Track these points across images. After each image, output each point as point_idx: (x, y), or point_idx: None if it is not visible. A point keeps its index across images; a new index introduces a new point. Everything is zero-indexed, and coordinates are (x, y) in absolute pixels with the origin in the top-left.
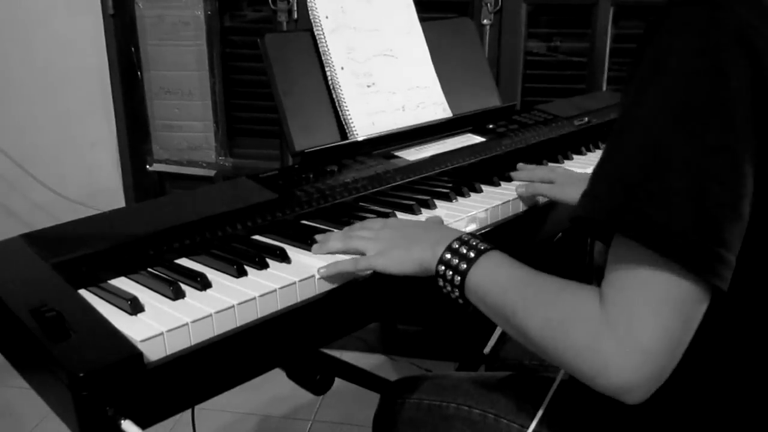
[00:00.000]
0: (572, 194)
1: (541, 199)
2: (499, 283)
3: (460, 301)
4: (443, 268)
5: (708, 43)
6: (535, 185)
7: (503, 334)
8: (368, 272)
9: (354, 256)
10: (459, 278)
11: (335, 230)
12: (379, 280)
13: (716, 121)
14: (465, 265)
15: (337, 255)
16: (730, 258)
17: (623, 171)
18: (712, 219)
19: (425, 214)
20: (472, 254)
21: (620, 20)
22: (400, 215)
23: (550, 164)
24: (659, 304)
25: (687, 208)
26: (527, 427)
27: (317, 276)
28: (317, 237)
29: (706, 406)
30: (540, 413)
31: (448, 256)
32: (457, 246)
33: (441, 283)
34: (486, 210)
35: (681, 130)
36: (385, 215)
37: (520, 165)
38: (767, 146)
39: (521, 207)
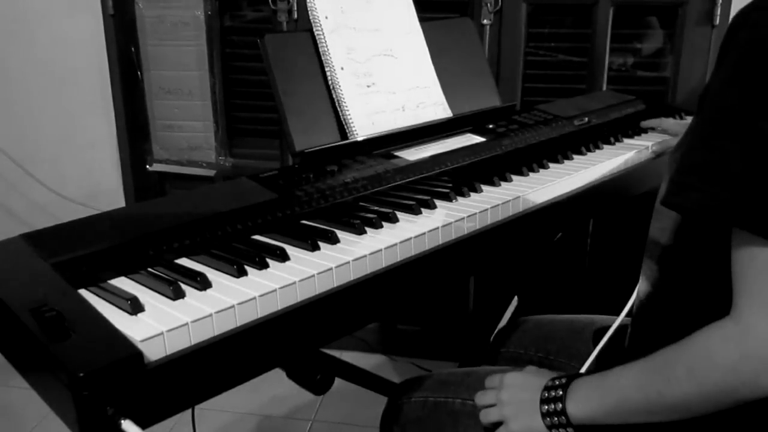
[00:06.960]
0: None
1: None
2: (613, 392)
3: None
4: (549, 420)
5: None
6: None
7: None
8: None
9: None
10: (564, 418)
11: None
12: (378, 280)
13: None
14: (561, 405)
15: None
16: None
17: (720, 162)
18: None
19: (425, 213)
20: (559, 392)
21: (620, 20)
22: (401, 215)
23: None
24: None
25: None
26: None
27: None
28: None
29: None
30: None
31: (545, 407)
32: (546, 395)
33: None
34: (486, 210)
35: None
36: (386, 215)
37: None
38: None
39: (521, 207)
